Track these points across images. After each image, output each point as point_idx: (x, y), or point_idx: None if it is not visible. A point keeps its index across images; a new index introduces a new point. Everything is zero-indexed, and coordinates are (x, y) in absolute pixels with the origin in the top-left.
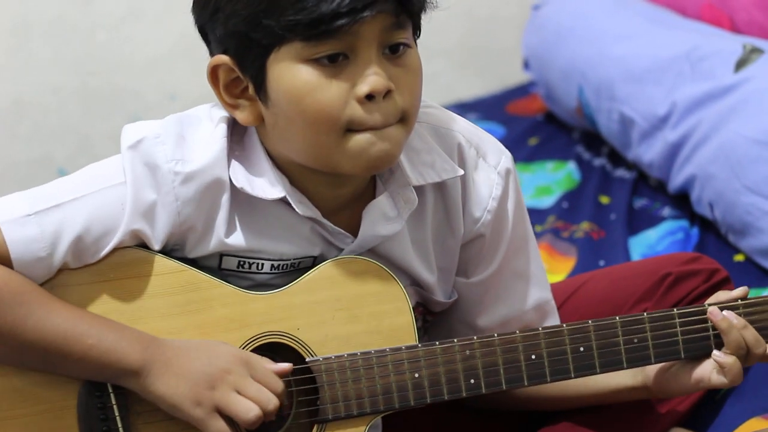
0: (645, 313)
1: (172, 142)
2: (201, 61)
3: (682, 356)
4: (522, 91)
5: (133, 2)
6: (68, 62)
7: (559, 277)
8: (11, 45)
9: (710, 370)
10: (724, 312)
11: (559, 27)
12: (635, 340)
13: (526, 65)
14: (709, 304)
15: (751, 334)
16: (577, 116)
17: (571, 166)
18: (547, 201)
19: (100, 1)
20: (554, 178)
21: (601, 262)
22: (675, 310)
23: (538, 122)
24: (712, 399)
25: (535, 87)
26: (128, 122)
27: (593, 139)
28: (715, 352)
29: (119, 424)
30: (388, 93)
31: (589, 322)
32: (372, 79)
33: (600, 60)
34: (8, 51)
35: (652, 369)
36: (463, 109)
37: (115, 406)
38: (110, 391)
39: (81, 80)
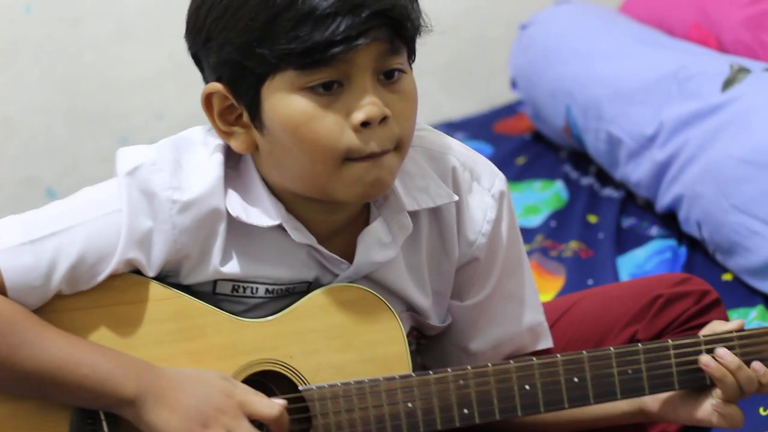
0: (640, 344)
1: (169, 168)
2: (189, 82)
3: (676, 388)
4: (509, 110)
5: (121, 23)
6: (56, 82)
7: (548, 296)
8: None
9: (711, 412)
10: (718, 350)
11: (547, 47)
12: (629, 371)
13: (514, 85)
14: (704, 336)
15: (744, 375)
16: (564, 135)
17: (559, 186)
18: (535, 220)
19: (88, 21)
20: (542, 197)
21: (590, 281)
22: (670, 341)
23: (525, 141)
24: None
25: (522, 106)
26: (116, 142)
27: (581, 159)
28: (714, 401)
29: None
30: (383, 119)
31: (584, 352)
32: (368, 107)
33: (587, 79)
34: None
35: (648, 396)
36: (450, 128)
37: None
38: (102, 418)
39: (69, 100)
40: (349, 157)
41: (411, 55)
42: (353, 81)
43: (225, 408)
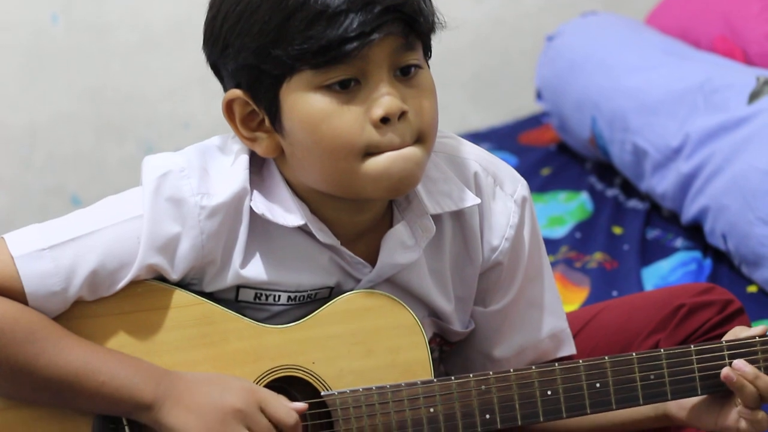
0: (662, 350)
1: (197, 175)
2: (214, 91)
3: (699, 393)
4: (535, 121)
5: (147, 32)
6: (82, 92)
7: (572, 307)
8: (26, 74)
9: (737, 419)
10: (735, 362)
11: (573, 58)
12: (652, 377)
13: (539, 96)
14: (727, 341)
15: (763, 383)
16: (590, 147)
17: (584, 197)
18: (559, 231)
19: (115, 31)
20: (567, 209)
21: (614, 293)
22: (692, 347)
23: (550, 152)
24: None
25: (548, 117)
26: (142, 151)
27: (606, 170)
28: (740, 408)
29: None
30: (402, 114)
31: (606, 358)
32: (385, 101)
33: (613, 91)
34: (23, 80)
35: (672, 401)
36: (476, 139)
37: None
38: (124, 423)
39: (95, 109)
40: (370, 152)
41: (427, 51)
42: (370, 77)
43: (243, 406)
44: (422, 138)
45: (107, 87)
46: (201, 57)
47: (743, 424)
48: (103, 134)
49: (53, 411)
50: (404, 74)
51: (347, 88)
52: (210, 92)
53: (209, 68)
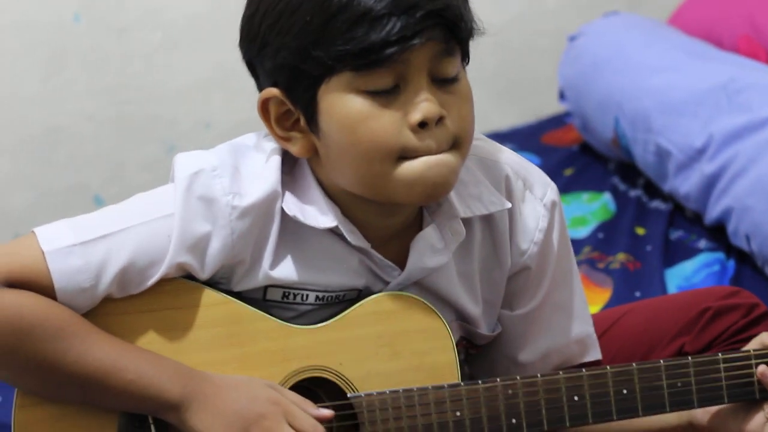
0: (690, 358)
1: (229, 174)
2: (235, 91)
3: (726, 401)
4: (557, 121)
5: (169, 31)
6: (103, 90)
7: (595, 308)
8: (47, 73)
9: (763, 424)
10: (761, 368)
11: (596, 58)
12: (679, 384)
13: (562, 96)
14: (755, 350)
15: None
16: (612, 147)
17: (607, 197)
18: (582, 231)
19: (136, 30)
20: (590, 209)
21: (637, 294)
22: (720, 355)
23: (573, 153)
24: None
25: (570, 118)
26: (163, 151)
27: (629, 170)
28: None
29: None
30: (440, 120)
31: (633, 365)
32: (424, 106)
33: (636, 91)
34: (44, 79)
35: (698, 409)
36: (498, 138)
37: None
38: (150, 422)
39: (116, 108)
40: (405, 156)
41: (465, 57)
42: (409, 81)
43: (268, 414)
44: (458, 144)
45: (128, 86)
46: (222, 56)
47: (756, 424)
48: (124, 134)
49: (78, 408)
50: (443, 79)
51: (386, 92)
52: (231, 91)
53: (235, 66)
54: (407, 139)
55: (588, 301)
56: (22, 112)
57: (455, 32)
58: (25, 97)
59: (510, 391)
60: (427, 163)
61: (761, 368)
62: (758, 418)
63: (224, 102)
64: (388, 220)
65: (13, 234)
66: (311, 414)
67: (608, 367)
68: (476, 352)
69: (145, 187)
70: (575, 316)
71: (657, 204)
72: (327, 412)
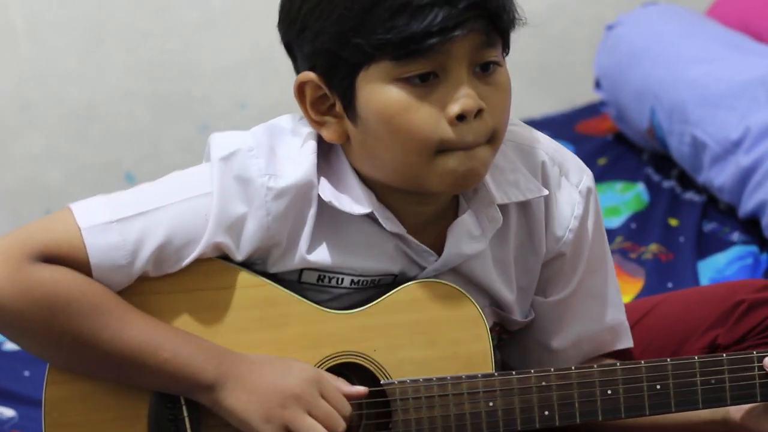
0: (724, 355)
1: (265, 155)
2: (271, 71)
3: (759, 400)
4: (592, 110)
5: (206, 10)
6: (140, 68)
7: (626, 298)
8: (85, 49)
9: None
10: None
11: (633, 48)
12: (713, 381)
13: (598, 85)
14: None
15: None
16: (648, 137)
17: (640, 188)
18: (615, 221)
19: (174, 8)
20: (623, 199)
21: (669, 285)
22: (755, 353)
23: (607, 142)
24: None
25: (605, 107)
26: (197, 130)
27: (663, 161)
28: None
29: None
30: (479, 112)
31: (668, 360)
32: (463, 99)
33: (673, 82)
34: (81, 55)
35: (733, 407)
36: (532, 126)
37: (186, 419)
38: (182, 402)
39: (152, 86)
40: (442, 149)
41: (505, 48)
42: (449, 73)
43: (303, 387)
44: (494, 138)
45: (165, 65)
46: (259, 36)
47: None
48: (159, 112)
49: (110, 387)
50: (483, 70)
51: (426, 81)
52: (267, 72)
53: (272, 48)
54: (445, 132)
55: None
56: (59, 88)
57: (497, 23)
58: (62, 72)
59: (543, 383)
60: (460, 158)
61: None
62: None
63: (259, 83)
64: (423, 207)
65: (45, 210)
66: (344, 391)
67: (643, 362)
68: (508, 337)
69: (178, 165)
70: (608, 304)
71: (691, 195)
72: (361, 389)
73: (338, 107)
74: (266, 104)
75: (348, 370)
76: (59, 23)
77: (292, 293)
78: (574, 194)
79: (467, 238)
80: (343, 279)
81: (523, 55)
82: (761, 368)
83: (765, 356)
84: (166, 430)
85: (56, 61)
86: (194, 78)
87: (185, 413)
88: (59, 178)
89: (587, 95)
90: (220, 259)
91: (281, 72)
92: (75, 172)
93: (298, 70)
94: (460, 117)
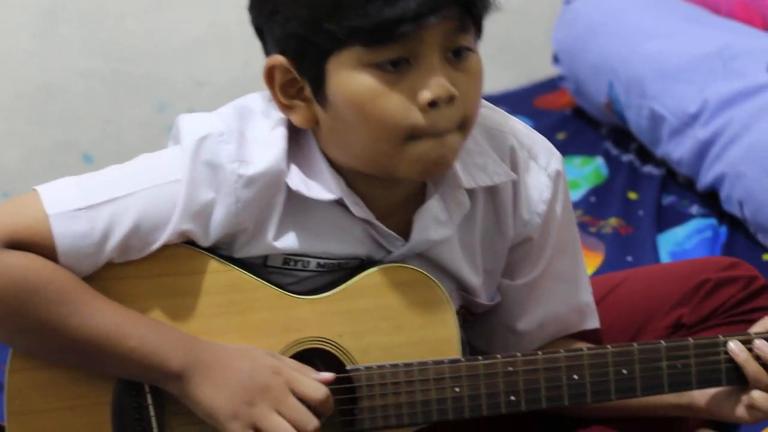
0: (691, 339)
1: (236, 141)
2: (229, 49)
3: (723, 384)
4: (551, 85)
5: None
6: (97, 48)
7: (587, 272)
8: (41, 29)
9: (741, 408)
10: (755, 341)
11: (591, 22)
12: (678, 366)
13: (556, 59)
14: (756, 333)
15: None
16: (606, 112)
17: (599, 161)
18: (574, 195)
19: None
20: (582, 173)
21: (629, 258)
22: (721, 337)
23: (566, 117)
24: None
25: (564, 81)
26: (155, 109)
27: (622, 135)
28: (743, 396)
29: (154, 424)
30: (450, 99)
31: (635, 345)
32: (435, 85)
33: (631, 56)
34: (38, 35)
35: (698, 391)
36: (491, 101)
37: (150, 406)
38: (147, 390)
39: (109, 66)
40: (413, 135)
41: (478, 33)
42: (421, 59)
43: (271, 385)
44: (465, 124)
45: (122, 44)
46: (216, 15)
47: (742, 410)
48: (117, 91)
49: (74, 374)
50: (455, 57)
51: (397, 67)
52: (225, 50)
53: (229, 26)
54: (416, 118)
55: None
56: (15, 67)
57: (471, 9)
58: (19, 52)
59: (510, 368)
60: (431, 145)
61: (731, 345)
62: (744, 400)
63: (217, 61)
64: (392, 192)
65: (2, 191)
66: (315, 378)
67: (609, 347)
68: (473, 319)
69: (137, 145)
70: (575, 286)
71: (649, 169)
72: (328, 375)
73: (308, 91)
74: (224, 82)
75: (314, 356)
76: (15, 2)
77: (258, 278)
78: (542, 177)
79: (434, 223)
80: (309, 262)
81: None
82: (726, 353)
83: (730, 340)
84: (130, 417)
85: (12, 41)
86: (152, 57)
87: (149, 401)
88: (16, 160)
89: (546, 70)
90: (186, 244)
91: (239, 50)
92: (32, 153)
93: (267, 53)
94: (432, 103)
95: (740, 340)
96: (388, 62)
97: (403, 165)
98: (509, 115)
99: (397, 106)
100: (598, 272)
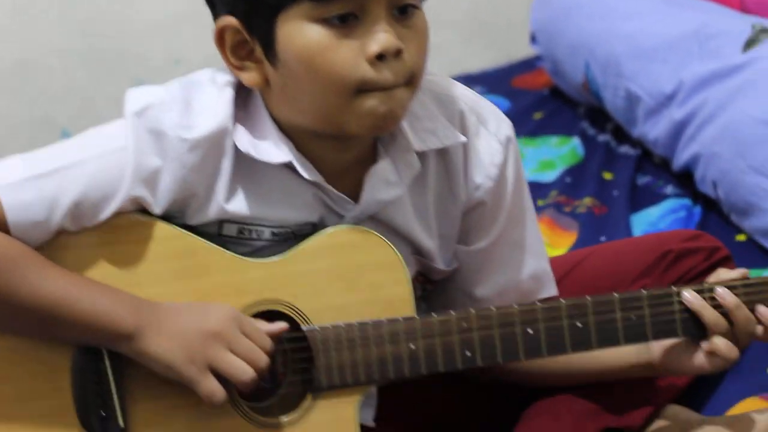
0: (644, 291)
1: (179, 108)
2: (206, 26)
3: (679, 335)
4: (528, 65)
5: None
6: (73, 24)
7: (560, 251)
8: (17, 6)
9: (702, 357)
10: (717, 289)
11: (568, 2)
12: (633, 317)
13: (533, 39)
14: (708, 283)
15: (742, 314)
16: (583, 92)
17: (576, 142)
18: (550, 175)
19: None
20: (558, 153)
21: (603, 238)
22: (674, 288)
23: (543, 97)
24: (711, 375)
25: (541, 61)
26: (132, 86)
27: (598, 115)
28: (703, 343)
29: (113, 388)
30: (398, 53)
31: (588, 298)
32: (383, 38)
33: (608, 36)
34: (13, 11)
35: (656, 347)
36: (468, 81)
37: (109, 369)
38: (105, 354)
39: (86, 43)
40: (362, 89)
41: None
42: (368, 13)
43: (223, 328)
44: (412, 80)
45: (99, 21)
46: None
47: (705, 360)
48: (94, 68)
49: (32, 342)
50: (401, 13)
51: (345, 22)
52: (200, 27)
53: (203, 2)
54: (365, 71)
55: (553, 244)
56: None
57: None
58: None
59: (464, 324)
60: (380, 98)
61: (684, 293)
62: (699, 352)
63: (193, 38)
64: (342, 154)
65: None
66: (264, 330)
67: (563, 300)
68: (433, 288)
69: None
70: (531, 253)
71: (625, 149)
72: (281, 325)
73: (258, 51)
74: (200, 59)
75: (270, 319)
76: None
77: (212, 244)
78: (493, 142)
79: (384, 184)
80: (263, 231)
81: (458, 10)
82: (681, 303)
83: (684, 290)
84: (90, 382)
85: None
86: (128, 33)
87: (107, 364)
88: None
89: (523, 50)
90: (138, 212)
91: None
92: (10, 130)
93: (216, 17)
94: (380, 56)
95: (694, 290)
96: (336, 17)
97: (353, 120)
98: (456, 81)
99: (346, 59)
100: (571, 251)
